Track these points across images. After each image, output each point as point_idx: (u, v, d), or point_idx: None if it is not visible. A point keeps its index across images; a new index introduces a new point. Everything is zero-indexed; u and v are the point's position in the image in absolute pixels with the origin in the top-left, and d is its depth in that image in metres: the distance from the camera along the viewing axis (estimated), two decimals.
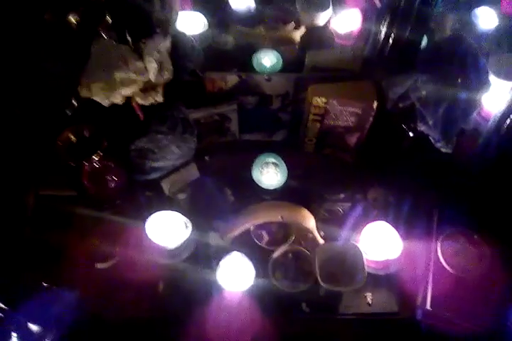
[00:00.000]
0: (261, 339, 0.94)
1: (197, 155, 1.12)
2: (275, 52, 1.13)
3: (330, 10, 1.12)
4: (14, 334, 0.89)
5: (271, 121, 1.20)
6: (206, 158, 1.16)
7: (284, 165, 1.05)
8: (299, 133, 1.18)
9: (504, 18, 1.21)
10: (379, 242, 0.97)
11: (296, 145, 1.21)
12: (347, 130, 1.12)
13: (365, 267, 0.93)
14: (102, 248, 1.04)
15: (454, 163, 1.07)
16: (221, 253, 0.96)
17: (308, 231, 1.01)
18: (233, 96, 1.12)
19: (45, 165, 1.11)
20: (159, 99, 0.96)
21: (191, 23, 1.14)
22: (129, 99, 0.94)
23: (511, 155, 1.01)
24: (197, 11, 1.18)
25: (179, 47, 1.01)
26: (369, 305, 1.02)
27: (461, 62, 0.94)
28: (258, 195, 1.08)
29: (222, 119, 1.16)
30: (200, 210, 1.09)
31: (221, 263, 0.93)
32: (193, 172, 1.13)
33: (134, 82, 0.90)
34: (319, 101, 1.05)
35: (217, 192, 1.12)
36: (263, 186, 1.05)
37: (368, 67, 1.09)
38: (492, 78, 0.98)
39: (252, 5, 1.23)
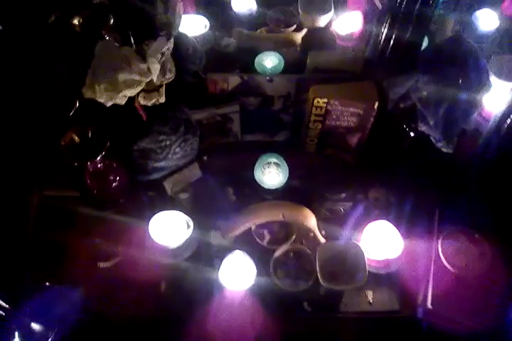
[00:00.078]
0: (263, 338, 0.94)
1: (199, 156, 1.13)
2: (277, 54, 1.14)
3: (331, 12, 1.13)
4: (17, 334, 0.89)
5: (273, 122, 1.20)
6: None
7: (286, 165, 1.05)
8: (301, 134, 1.18)
9: (504, 19, 1.22)
10: (380, 241, 0.97)
11: (298, 145, 1.21)
12: (348, 130, 1.13)
13: (366, 266, 0.93)
14: (104, 247, 1.05)
15: (454, 163, 1.07)
16: (223, 252, 0.97)
17: (309, 230, 1.02)
18: (235, 97, 1.13)
19: (48, 166, 1.11)
20: (162, 99, 0.97)
21: (194, 26, 1.15)
22: (131, 100, 0.95)
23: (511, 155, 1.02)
24: (199, 13, 1.19)
25: (182, 49, 1.02)
26: (370, 303, 1.02)
27: (462, 63, 0.94)
28: (260, 194, 1.09)
29: (225, 120, 1.16)
30: (202, 210, 1.09)
31: (223, 262, 0.94)
32: (195, 172, 1.13)
33: (137, 83, 0.91)
34: (321, 101, 1.06)
35: (219, 192, 1.12)
36: (265, 186, 1.05)
37: (369, 68, 1.09)
38: (493, 79, 0.99)
39: (254, 7, 1.24)
